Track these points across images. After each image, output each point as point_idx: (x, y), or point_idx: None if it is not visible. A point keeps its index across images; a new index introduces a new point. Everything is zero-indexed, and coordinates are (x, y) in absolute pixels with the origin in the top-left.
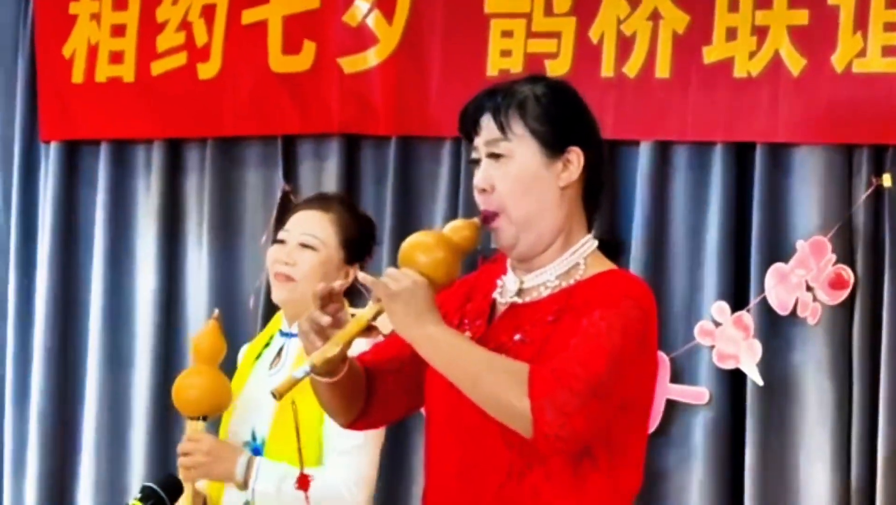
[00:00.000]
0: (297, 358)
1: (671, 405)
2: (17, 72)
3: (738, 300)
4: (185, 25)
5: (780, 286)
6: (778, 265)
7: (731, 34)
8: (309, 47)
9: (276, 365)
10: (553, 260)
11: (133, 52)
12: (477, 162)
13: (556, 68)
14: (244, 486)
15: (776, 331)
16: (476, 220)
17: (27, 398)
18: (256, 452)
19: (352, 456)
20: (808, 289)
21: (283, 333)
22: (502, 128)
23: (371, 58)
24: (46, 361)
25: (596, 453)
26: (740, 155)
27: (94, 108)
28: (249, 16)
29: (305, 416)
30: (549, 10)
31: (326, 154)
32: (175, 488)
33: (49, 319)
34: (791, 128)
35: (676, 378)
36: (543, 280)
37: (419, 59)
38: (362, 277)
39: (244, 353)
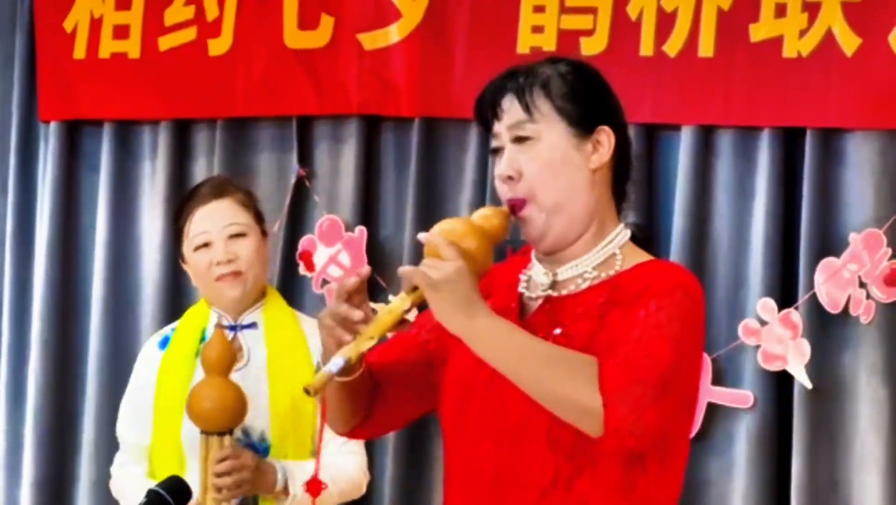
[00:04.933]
0: (269, 350)
1: (713, 409)
2: (15, 47)
3: (785, 297)
4: None
5: (831, 282)
6: (829, 260)
7: (780, 11)
8: (326, 22)
9: (240, 360)
10: (585, 251)
11: (139, 26)
12: (498, 151)
13: (592, 46)
14: (283, 494)
15: (826, 330)
16: (505, 208)
17: (23, 395)
18: (254, 449)
19: (357, 441)
20: (862, 285)
21: (227, 327)
22: (528, 108)
23: (393, 34)
24: (44, 356)
25: (647, 457)
26: (789, 141)
27: (96, 86)
28: None
29: (302, 408)
30: None
31: (344, 136)
32: (182, 492)
33: (47, 311)
34: (844, 112)
35: (719, 380)
36: (580, 272)
37: (444, 36)
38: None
39: (156, 350)
